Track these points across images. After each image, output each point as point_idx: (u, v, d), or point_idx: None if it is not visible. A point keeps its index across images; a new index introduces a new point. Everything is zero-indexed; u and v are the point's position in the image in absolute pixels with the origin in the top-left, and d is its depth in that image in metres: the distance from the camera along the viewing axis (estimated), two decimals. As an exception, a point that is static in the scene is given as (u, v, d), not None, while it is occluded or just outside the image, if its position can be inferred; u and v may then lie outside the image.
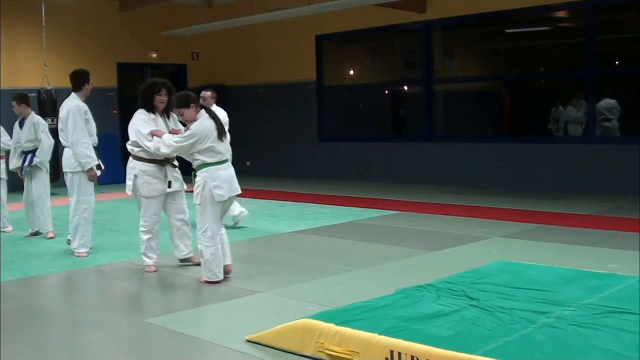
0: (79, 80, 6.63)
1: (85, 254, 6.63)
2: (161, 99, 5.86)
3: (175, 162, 5.96)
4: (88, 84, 6.63)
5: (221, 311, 4.78)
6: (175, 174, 5.94)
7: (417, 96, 12.79)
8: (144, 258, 5.98)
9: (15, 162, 7.88)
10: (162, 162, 5.82)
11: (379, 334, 3.50)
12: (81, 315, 4.91)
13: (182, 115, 5.48)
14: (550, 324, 3.68)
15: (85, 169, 6.50)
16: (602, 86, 11.03)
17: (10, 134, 8.10)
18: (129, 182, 5.88)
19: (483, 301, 4.12)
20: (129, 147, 5.87)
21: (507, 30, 13.51)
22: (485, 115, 14.18)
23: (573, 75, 11.97)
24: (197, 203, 5.35)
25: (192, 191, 5.45)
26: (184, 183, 6.05)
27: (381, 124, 14.84)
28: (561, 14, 12.16)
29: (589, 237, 6.94)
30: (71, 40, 13.20)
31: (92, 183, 6.61)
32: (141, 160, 5.80)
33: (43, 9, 11.87)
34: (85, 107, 6.57)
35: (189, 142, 5.36)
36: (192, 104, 5.43)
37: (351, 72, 14.99)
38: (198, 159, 5.37)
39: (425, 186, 11.53)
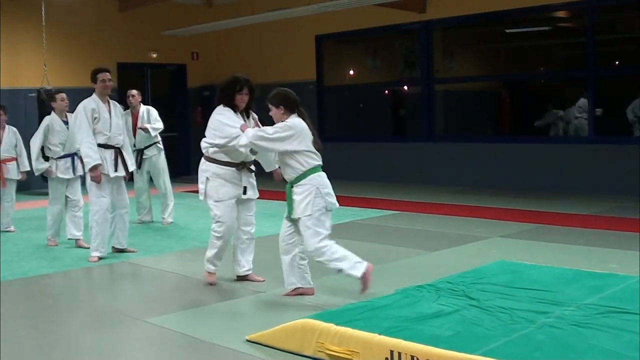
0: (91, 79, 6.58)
1: (96, 259, 6.43)
2: (242, 98, 5.29)
3: (252, 167, 5.47)
4: (95, 83, 6.47)
5: (221, 311, 4.78)
6: (251, 180, 5.46)
7: (417, 96, 12.79)
8: (208, 265, 5.39)
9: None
10: (238, 165, 5.30)
11: (379, 334, 3.50)
12: (81, 315, 4.91)
13: (269, 111, 4.97)
14: (550, 324, 3.68)
15: (87, 169, 6.42)
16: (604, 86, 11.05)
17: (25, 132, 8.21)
18: (201, 186, 5.34)
19: (483, 301, 4.12)
20: (203, 147, 5.33)
21: (507, 30, 13.52)
22: (485, 115, 14.18)
23: (573, 75, 11.98)
24: (308, 214, 4.78)
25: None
26: (257, 191, 5.58)
27: (381, 124, 14.83)
28: (561, 14, 12.17)
29: (589, 237, 6.94)
30: (71, 40, 13.19)
31: (105, 184, 6.40)
32: (216, 163, 5.25)
33: (43, 9, 11.87)
34: (93, 105, 6.41)
35: (284, 133, 4.77)
36: (281, 105, 4.88)
37: (351, 72, 14.98)
38: (301, 162, 4.82)
39: (425, 186, 11.52)
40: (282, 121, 4.87)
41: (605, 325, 3.61)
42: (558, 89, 13.25)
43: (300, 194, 4.81)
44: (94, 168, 6.33)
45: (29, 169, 8.10)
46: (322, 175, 4.93)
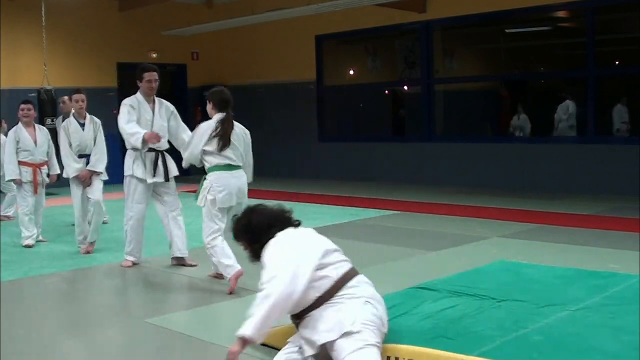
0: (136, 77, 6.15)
1: (130, 264, 6.14)
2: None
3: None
4: (141, 81, 6.04)
5: (221, 311, 4.78)
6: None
7: (417, 96, 12.79)
8: None
9: (75, 166, 6.89)
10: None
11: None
12: (81, 316, 4.91)
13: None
14: (549, 324, 3.68)
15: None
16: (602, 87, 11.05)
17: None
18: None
19: (483, 301, 4.11)
20: None
21: (507, 30, 13.52)
22: (485, 115, 14.18)
23: (573, 75, 11.98)
24: (202, 205, 5.38)
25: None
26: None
27: (381, 124, 14.84)
28: (561, 14, 12.17)
29: (589, 237, 6.94)
30: (71, 40, 13.20)
31: (142, 190, 6.03)
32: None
33: (43, 9, 11.87)
34: (131, 101, 6.00)
35: (191, 139, 5.49)
36: (211, 102, 5.44)
37: (351, 72, 14.99)
38: (206, 160, 5.37)
39: (425, 186, 11.52)
40: (211, 117, 5.41)
41: (605, 326, 3.60)
42: (558, 89, 13.25)
43: (202, 187, 5.36)
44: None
45: (59, 171, 7.67)
46: (223, 174, 5.32)
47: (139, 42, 14.07)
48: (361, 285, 3.30)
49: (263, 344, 3.90)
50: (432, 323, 3.73)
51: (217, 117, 5.40)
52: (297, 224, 3.51)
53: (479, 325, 3.67)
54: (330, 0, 11.13)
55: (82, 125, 7.05)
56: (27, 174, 7.38)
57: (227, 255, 5.26)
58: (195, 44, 14.90)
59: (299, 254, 3.24)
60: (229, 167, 5.35)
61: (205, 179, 5.38)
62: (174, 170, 6.18)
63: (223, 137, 5.33)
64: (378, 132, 14.51)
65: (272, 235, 3.37)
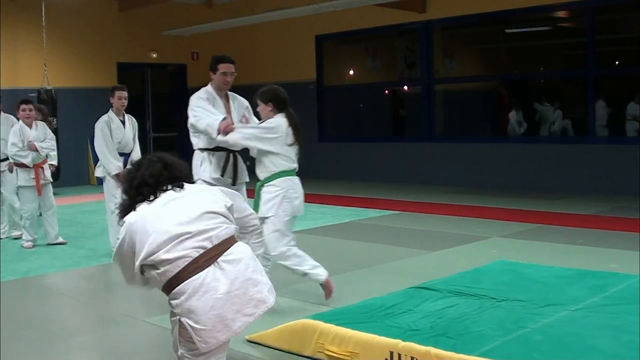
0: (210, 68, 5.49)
1: None
2: None
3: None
4: (215, 73, 5.38)
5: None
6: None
7: (417, 96, 12.79)
8: None
9: (117, 164, 6.66)
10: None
11: (379, 334, 3.50)
12: (81, 315, 4.91)
13: (257, 106, 4.94)
14: (549, 324, 3.68)
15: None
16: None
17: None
18: None
19: (483, 301, 4.11)
20: None
21: (507, 30, 13.52)
22: (486, 115, 14.18)
23: (573, 75, 11.98)
24: (271, 215, 4.72)
25: None
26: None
27: (381, 124, 14.83)
28: (561, 14, 12.17)
29: (589, 237, 6.94)
30: (71, 40, 13.20)
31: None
32: None
33: (43, 9, 11.87)
34: (205, 94, 5.35)
35: (263, 134, 4.77)
36: (270, 102, 4.83)
37: (351, 72, 14.98)
38: (274, 163, 4.79)
39: (425, 186, 11.52)
40: (269, 118, 4.81)
41: (605, 326, 3.60)
42: (558, 89, 13.26)
43: (268, 193, 4.74)
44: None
45: (56, 163, 7.51)
46: (294, 179, 4.87)
47: (139, 42, 14.06)
48: (180, 297, 2.70)
49: (265, 345, 3.91)
50: (432, 322, 3.73)
51: (281, 116, 4.80)
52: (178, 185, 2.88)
53: (479, 325, 3.68)
54: (330, 0, 11.13)
55: (122, 122, 6.86)
56: (28, 176, 7.18)
57: (308, 259, 4.81)
58: (195, 44, 14.89)
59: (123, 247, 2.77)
60: (295, 172, 4.88)
61: (262, 185, 4.76)
62: (244, 176, 5.34)
63: (299, 139, 4.86)
64: (378, 132, 14.50)
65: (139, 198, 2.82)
